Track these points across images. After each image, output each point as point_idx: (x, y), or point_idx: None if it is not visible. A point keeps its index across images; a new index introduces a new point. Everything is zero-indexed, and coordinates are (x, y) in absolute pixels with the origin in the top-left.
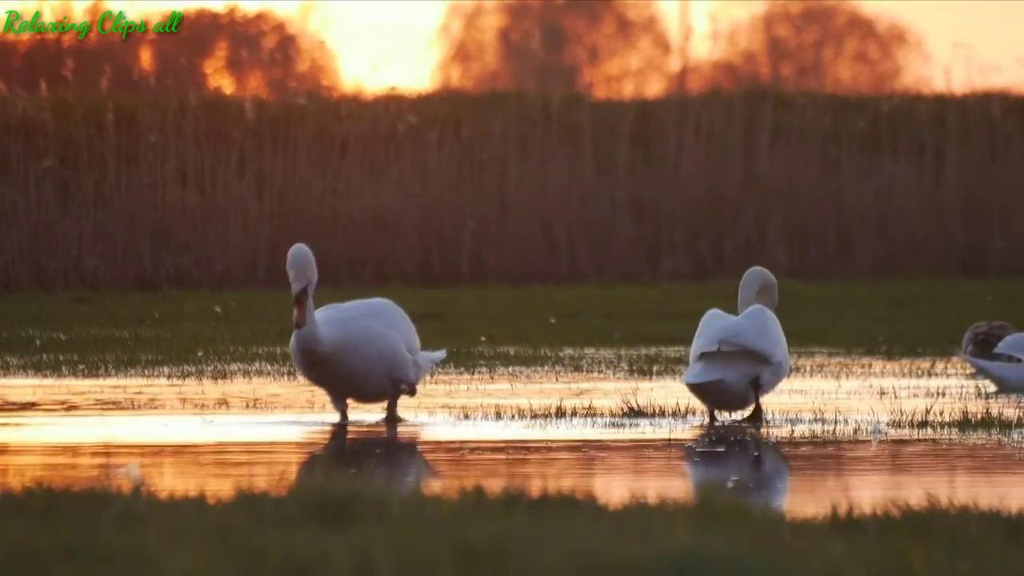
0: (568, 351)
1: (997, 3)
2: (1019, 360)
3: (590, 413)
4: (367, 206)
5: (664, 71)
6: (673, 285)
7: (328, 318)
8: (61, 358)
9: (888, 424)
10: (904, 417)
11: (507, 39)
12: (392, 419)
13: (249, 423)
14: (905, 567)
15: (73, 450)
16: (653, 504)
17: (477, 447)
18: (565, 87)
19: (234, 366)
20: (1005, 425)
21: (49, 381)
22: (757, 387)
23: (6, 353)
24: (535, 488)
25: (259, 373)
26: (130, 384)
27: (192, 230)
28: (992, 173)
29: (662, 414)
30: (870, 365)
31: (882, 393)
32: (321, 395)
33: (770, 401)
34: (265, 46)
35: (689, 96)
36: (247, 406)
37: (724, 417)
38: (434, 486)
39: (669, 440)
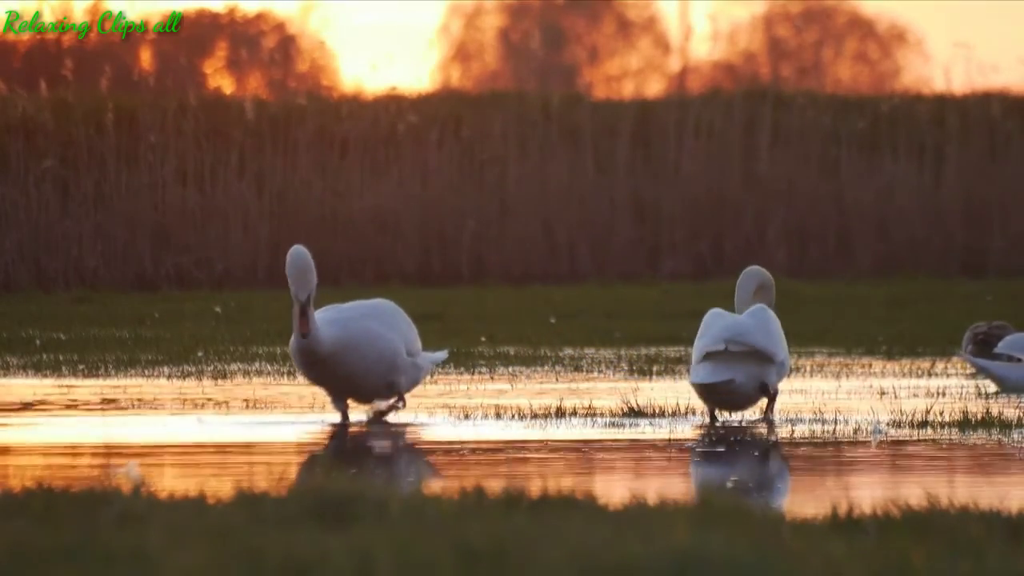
0: (568, 351)
1: (997, 3)
2: (1019, 360)
3: (590, 413)
4: (367, 206)
5: (664, 71)
6: (673, 285)
7: (328, 318)
8: (61, 358)
9: (888, 424)
10: (904, 417)
11: (507, 39)
12: (380, 416)
13: (249, 423)
14: (905, 567)
15: (73, 450)
16: (653, 504)
17: (477, 447)
18: (565, 87)
19: (234, 366)
20: (1005, 425)
21: (49, 381)
22: (767, 389)
23: (6, 353)
24: (535, 488)
25: (259, 373)
26: (130, 384)
27: (192, 230)
28: (992, 173)
29: (662, 414)
30: (870, 365)
31: (882, 393)
32: (321, 395)
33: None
34: (265, 46)
35: (689, 96)
36: (247, 406)
37: (724, 417)
38: (434, 486)
39: (669, 440)
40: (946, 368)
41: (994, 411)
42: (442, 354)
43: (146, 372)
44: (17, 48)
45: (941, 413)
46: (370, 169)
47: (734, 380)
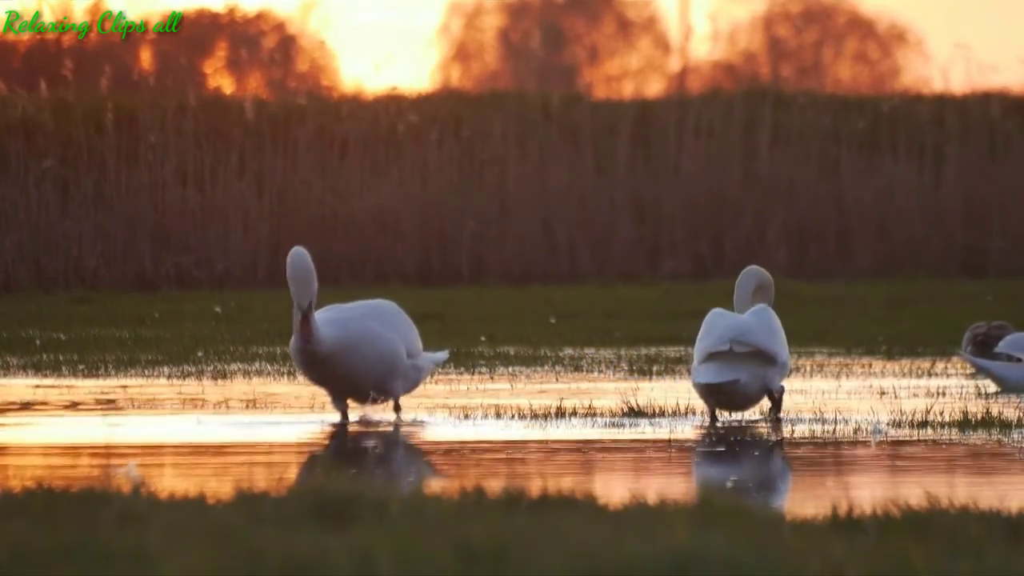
0: (568, 351)
1: (997, 3)
2: (1019, 360)
3: (590, 413)
4: (367, 206)
5: (664, 71)
6: (673, 285)
7: (329, 318)
8: (61, 358)
9: (888, 424)
10: (904, 417)
11: (507, 39)
12: (397, 414)
13: (249, 423)
14: (905, 567)
15: (73, 450)
16: (653, 504)
17: (477, 447)
18: (565, 87)
19: (234, 366)
20: (1005, 425)
21: (49, 381)
22: (771, 389)
23: (6, 353)
24: (535, 488)
25: (259, 373)
26: (130, 384)
27: (192, 230)
28: (992, 173)
29: (662, 414)
30: (870, 365)
31: (882, 393)
32: (321, 395)
33: (768, 401)
34: (265, 46)
35: (689, 96)
36: (247, 406)
37: (724, 417)
38: (434, 486)
39: (669, 440)
40: (946, 368)
41: (994, 411)
42: (443, 355)
43: (146, 372)
44: (17, 48)
45: (941, 413)
46: (370, 169)
47: (739, 380)
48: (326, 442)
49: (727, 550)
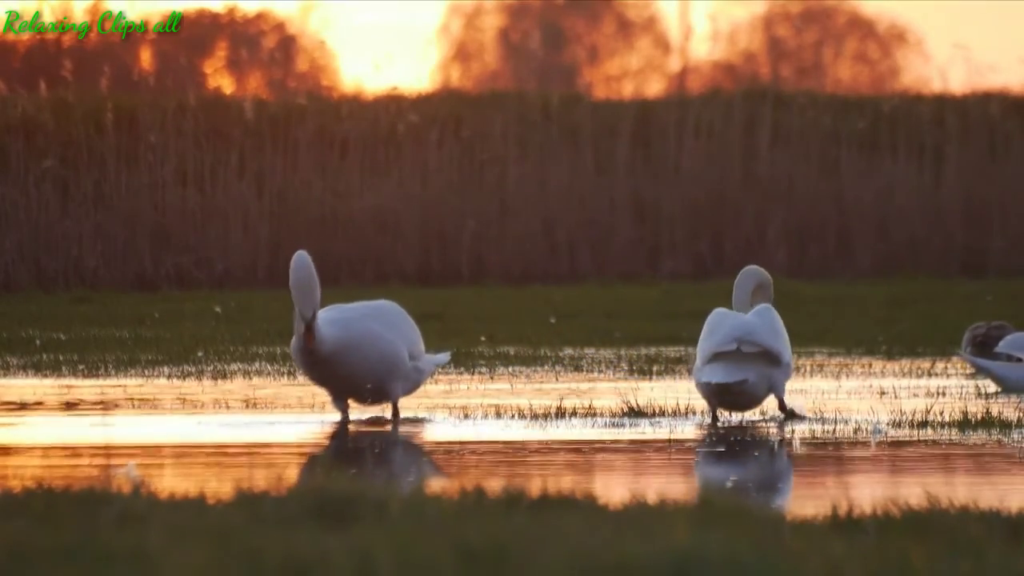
0: (568, 351)
1: (997, 3)
2: (1019, 360)
3: (590, 413)
4: (367, 206)
5: (664, 71)
6: (673, 285)
7: (331, 318)
8: (61, 358)
9: (888, 424)
10: (904, 417)
11: (507, 39)
12: (395, 417)
13: (249, 423)
14: (905, 567)
15: (73, 450)
16: (653, 504)
17: (477, 447)
18: (565, 87)
19: (234, 366)
20: (1005, 425)
21: (49, 381)
22: (777, 391)
23: (6, 353)
24: (535, 488)
25: (259, 373)
26: (130, 384)
27: (192, 230)
28: (992, 173)
29: (662, 414)
30: (870, 365)
31: (882, 393)
32: (321, 395)
33: (770, 401)
34: (265, 46)
35: (689, 96)
36: (247, 406)
37: (724, 417)
38: (434, 486)
39: (669, 440)
40: (946, 368)
41: (994, 411)
42: (444, 356)
43: (146, 372)
44: (17, 48)
45: (941, 413)
46: (370, 169)
47: (747, 380)
48: (326, 442)
49: (727, 550)
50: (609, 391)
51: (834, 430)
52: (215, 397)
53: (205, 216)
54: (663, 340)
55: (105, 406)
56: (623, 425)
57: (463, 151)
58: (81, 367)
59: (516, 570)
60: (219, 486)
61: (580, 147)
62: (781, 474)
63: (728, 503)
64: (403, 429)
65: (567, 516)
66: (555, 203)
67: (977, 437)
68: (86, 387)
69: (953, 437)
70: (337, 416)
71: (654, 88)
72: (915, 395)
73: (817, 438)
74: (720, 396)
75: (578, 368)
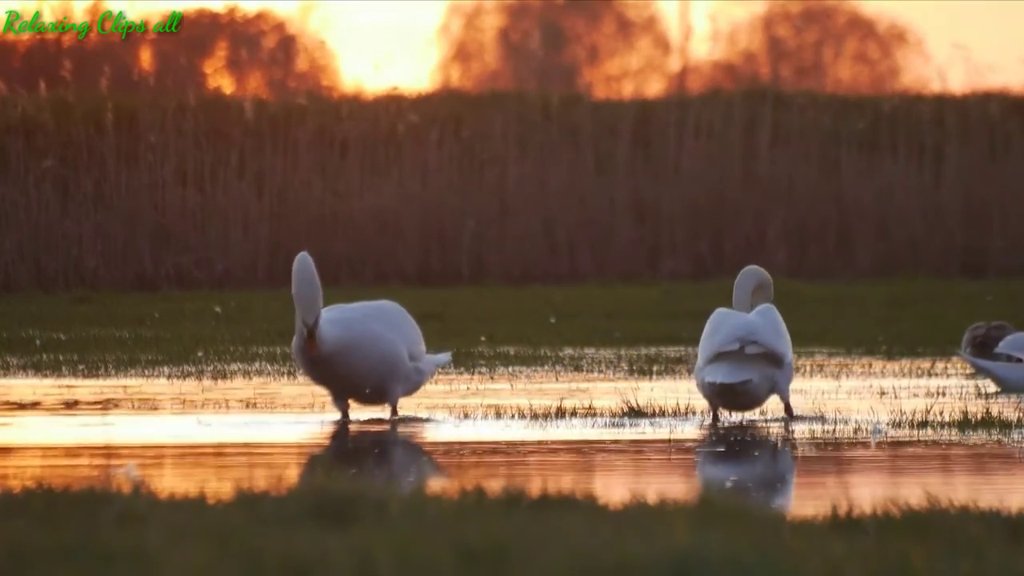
0: (568, 351)
1: (996, 3)
2: (1019, 360)
3: (590, 413)
4: (367, 206)
5: (664, 71)
6: (673, 285)
7: (332, 318)
8: (61, 358)
9: (888, 424)
10: (904, 417)
11: (507, 39)
12: (394, 417)
13: (249, 423)
14: (905, 567)
15: (73, 450)
16: (653, 504)
17: (477, 447)
18: (565, 87)
19: (234, 366)
20: (1005, 425)
21: (49, 381)
22: (781, 392)
23: (6, 353)
24: (535, 488)
25: (259, 373)
26: (130, 384)
27: (192, 230)
28: (992, 173)
29: (662, 414)
30: (870, 365)
31: (882, 393)
32: (321, 395)
33: (770, 401)
34: (265, 46)
35: (689, 96)
36: (247, 406)
37: (724, 417)
38: (434, 486)
39: (669, 440)
40: (946, 368)
41: (994, 411)
42: (445, 356)
43: (146, 372)
44: (17, 48)
45: (941, 413)
46: (370, 169)
47: (751, 380)
48: (326, 442)
49: (727, 550)
50: (609, 391)
51: (834, 430)
52: (215, 397)
53: (205, 216)
54: (663, 340)
55: (105, 406)
56: (623, 425)
57: (463, 151)
58: (81, 367)
59: (516, 570)
60: (219, 486)
61: (580, 147)
62: (781, 474)
63: (728, 503)
64: (403, 429)
65: (567, 516)
66: (555, 203)
67: (977, 437)
68: (86, 387)
69: (953, 437)
70: (337, 416)
71: (654, 88)
72: (915, 395)
73: (817, 438)
74: (723, 396)
75: (578, 368)
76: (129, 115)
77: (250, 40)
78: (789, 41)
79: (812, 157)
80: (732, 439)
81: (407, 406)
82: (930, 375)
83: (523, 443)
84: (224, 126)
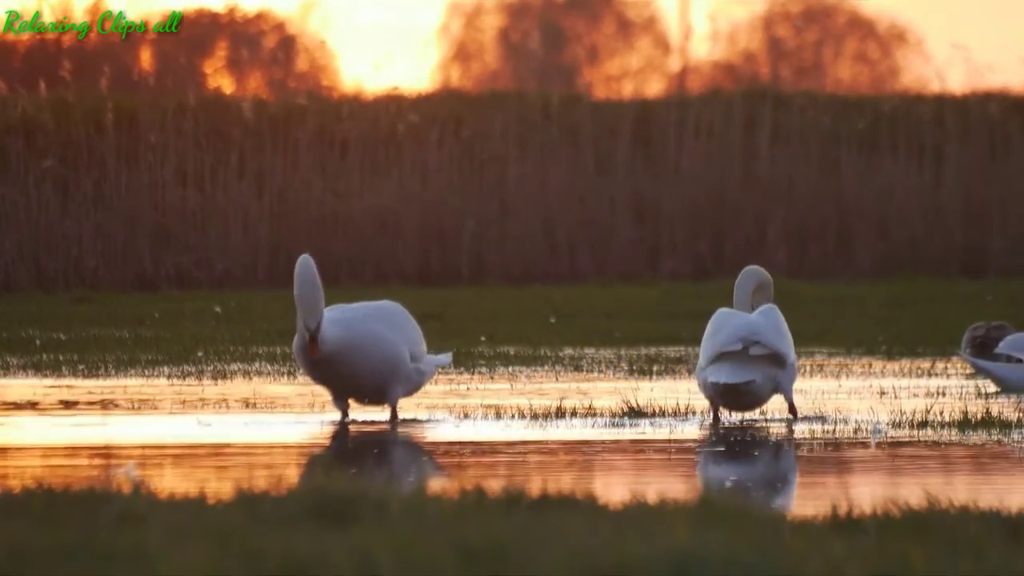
0: (568, 351)
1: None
2: (1019, 360)
3: (590, 413)
4: (367, 206)
5: (664, 71)
6: (673, 285)
7: (333, 318)
8: (61, 358)
9: (888, 424)
10: (904, 417)
11: (507, 39)
12: (394, 418)
13: (249, 423)
14: (905, 567)
15: (73, 450)
16: (653, 504)
17: (477, 447)
18: (565, 87)
19: (234, 366)
20: (1005, 425)
21: (49, 381)
22: (785, 393)
23: (6, 353)
24: (535, 488)
25: (259, 373)
26: (130, 384)
27: (192, 230)
28: (992, 173)
29: (662, 414)
30: (870, 365)
31: (882, 393)
32: (321, 395)
33: (771, 401)
34: (265, 46)
35: (689, 96)
36: (247, 406)
37: (725, 417)
38: (434, 486)
39: (669, 440)
40: (946, 368)
41: (994, 411)
42: (445, 357)
43: (146, 372)
44: (17, 48)
45: (941, 413)
46: (370, 169)
47: (755, 380)
48: (326, 442)
49: (727, 550)
50: (609, 391)
51: (834, 430)
52: (215, 397)
53: (205, 216)
54: (663, 340)
55: (105, 406)
56: (623, 425)
57: (463, 151)
58: (81, 367)
59: (516, 570)
60: (219, 486)
61: (580, 147)
62: (781, 474)
63: (728, 503)
64: (403, 429)
65: (567, 516)
66: (555, 203)
67: (977, 437)
68: (86, 387)
69: (953, 437)
70: (337, 416)
71: (654, 88)
72: (915, 395)
73: (817, 438)
74: (726, 396)
75: (578, 368)
76: (129, 115)
77: (250, 40)
78: (789, 41)
79: (812, 157)
80: (732, 439)
81: (407, 406)
82: (930, 375)
83: (523, 443)
84: (224, 126)
